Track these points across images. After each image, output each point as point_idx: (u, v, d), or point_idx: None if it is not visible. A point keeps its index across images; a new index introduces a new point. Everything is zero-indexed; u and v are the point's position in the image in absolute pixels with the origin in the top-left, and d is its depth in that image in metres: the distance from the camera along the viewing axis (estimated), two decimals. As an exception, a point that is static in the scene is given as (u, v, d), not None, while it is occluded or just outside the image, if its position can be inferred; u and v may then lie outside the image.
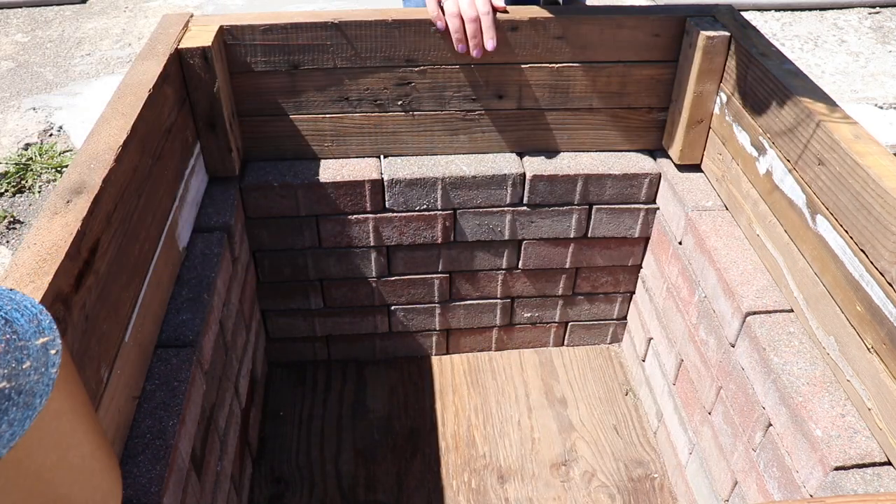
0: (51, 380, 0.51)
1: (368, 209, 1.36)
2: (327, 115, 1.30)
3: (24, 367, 0.51)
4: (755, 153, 1.16)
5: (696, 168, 1.36)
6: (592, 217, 1.42)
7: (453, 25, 1.14)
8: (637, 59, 1.28)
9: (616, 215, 1.43)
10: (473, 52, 1.15)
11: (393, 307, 1.54)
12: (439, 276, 1.50)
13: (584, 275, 1.54)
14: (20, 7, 4.05)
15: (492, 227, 1.42)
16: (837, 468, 0.86)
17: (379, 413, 1.53)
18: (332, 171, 1.33)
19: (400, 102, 1.30)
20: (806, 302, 1.04)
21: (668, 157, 1.39)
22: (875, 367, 0.88)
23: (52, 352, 0.52)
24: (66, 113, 2.96)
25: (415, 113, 1.32)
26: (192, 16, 1.23)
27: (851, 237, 0.92)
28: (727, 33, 1.20)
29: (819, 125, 0.99)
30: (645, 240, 1.48)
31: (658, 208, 1.41)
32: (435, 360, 1.65)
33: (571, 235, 1.45)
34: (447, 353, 1.66)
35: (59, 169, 2.57)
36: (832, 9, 4.03)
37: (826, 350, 0.99)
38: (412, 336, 1.61)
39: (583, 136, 1.37)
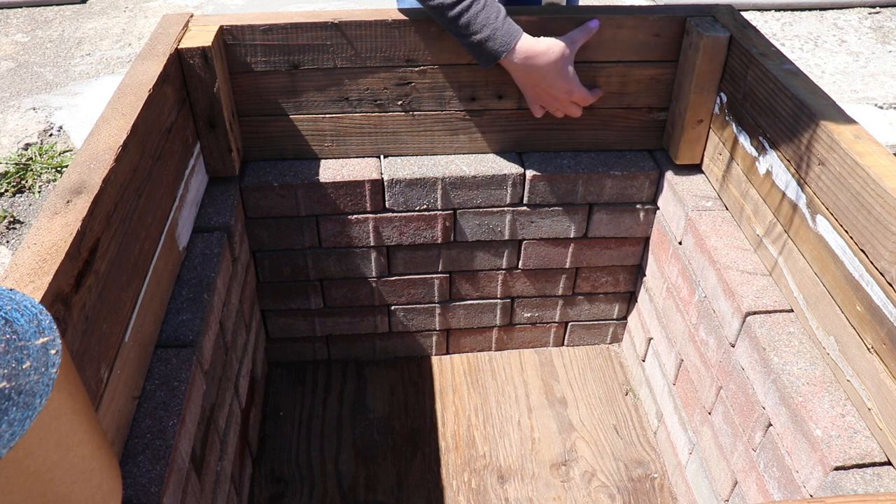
0: (51, 380, 0.51)
1: (368, 209, 1.36)
2: (327, 115, 1.30)
3: (24, 367, 0.51)
4: (755, 153, 1.16)
5: (696, 168, 1.36)
6: (592, 217, 1.42)
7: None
8: (637, 59, 1.28)
9: (616, 215, 1.43)
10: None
11: (393, 307, 1.54)
12: (439, 276, 1.50)
13: (584, 275, 1.54)
14: (20, 7, 4.05)
15: (492, 227, 1.42)
16: (837, 468, 0.86)
17: (379, 413, 1.53)
18: (332, 171, 1.33)
19: (400, 102, 1.30)
20: (806, 302, 1.04)
21: (668, 157, 1.39)
22: (875, 367, 0.88)
23: (52, 352, 0.52)
24: (66, 113, 2.96)
25: (415, 113, 1.32)
26: (192, 16, 1.23)
27: (851, 237, 0.92)
28: (727, 33, 1.20)
29: (819, 125, 0.99)
30: (645, 240, 1.48)
31: (658, 208, 1.41)
32: (435, 360, 1.65)
33: (571, 235, 1.45)
34: (447, 353, 1.66)
35: (59, 169, 2.57)
36: (832, 9, 4.03)
37: (826, 350, 0.99)
38: (412, 336, 1.61)
39: (583, 136, 1.37)
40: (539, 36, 1.17)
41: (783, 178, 1.08)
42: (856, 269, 0.91)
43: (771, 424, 1.01)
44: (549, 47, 1.17)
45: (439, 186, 1.34)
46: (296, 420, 1.51)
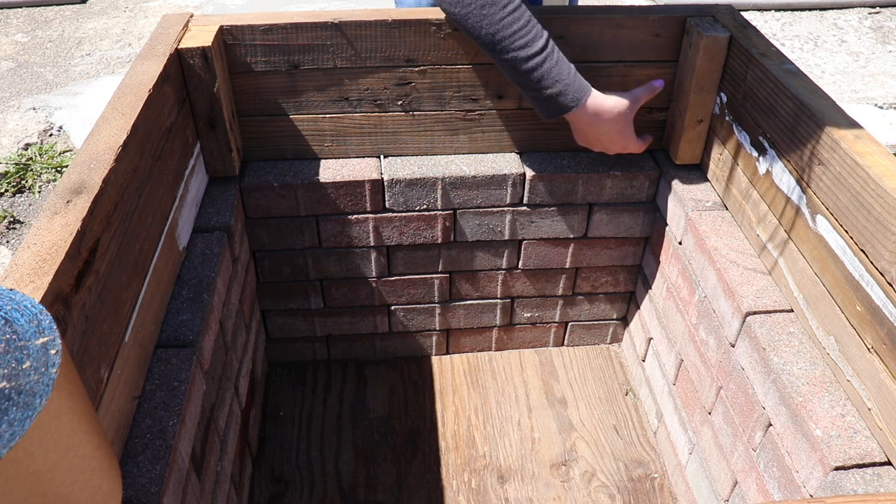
0: (51, 380, 0.51)
1: (368, 209, 1.36)
2: (327, 115, 1.30)
3: (24, 367, 0.51)
4: (755, 153, 1.16)
5: (696, 168, 1.36)
6: (592, 217, 1.42)
7: None
8: (637, 59, 1.28)
9: (616, 215, 1.43)
10: None
11: (393, 307, 1.54)
12: (439, 276, 1.50)
13: (584, 275, 1.54)
14: (20, 7, 4.05)
15: (492, 227, 1.42)
16: (837, 468, 0.86)
17: (379, 413, 1.53)
18: (332, 171, 1.33)
19: (400, 102, 1.30)
20: (806, 302, 1.04)
21: (668, 156, 1.39)
22: (875, 367, 0.88)
23: (52, 352, 0.53)
24: (66, 113, 2.96)
25: (415, 113, 1.32)
26: (192, 16, 1.23)
27: (851, 237, 0.92)
28: (727, 33, 1.20)
29: (819, 125, 0.99)
30: (645, 240, 1.48)
31: (658, 208, 1.41)
32: (435, 360, 1.65)
33: (571, 235, 1.45)
34: (447, 353, 1.66)
35: (59, 169, 2.57)
36: (832, 9, 4.03)
37: (826, 350, 0.99)
38: (412, 336, 1.61)
39: (583, 136, 1.37)
40: None
41: (783, 178, 1.08)
42: (856, 269, 0.91)
43: (771, 424, 1.01)
44: (615, 104, 1.19)
45: (439, 186, 1.34)
46: (296, 420, 1.51)
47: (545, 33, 1.10)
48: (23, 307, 0.55)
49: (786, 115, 1.07)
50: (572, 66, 1.14)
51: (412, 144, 1.36)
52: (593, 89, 1.17)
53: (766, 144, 1.13)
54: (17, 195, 2.47)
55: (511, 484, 1.40)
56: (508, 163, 1.36)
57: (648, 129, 1.37)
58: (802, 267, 1.04)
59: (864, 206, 0.89)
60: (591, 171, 1.36)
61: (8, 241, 2.26)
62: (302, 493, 1.38)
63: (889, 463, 0.87)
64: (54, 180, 2.53)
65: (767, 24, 3.83)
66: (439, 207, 1.37)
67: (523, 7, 1.08)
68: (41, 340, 0.53)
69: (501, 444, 1.47)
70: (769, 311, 1.08)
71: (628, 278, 1.56)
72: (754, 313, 1.07)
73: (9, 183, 2.49)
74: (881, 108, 3.04)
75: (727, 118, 1.24)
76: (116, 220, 0.87)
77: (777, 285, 1.12)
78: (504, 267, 1.50)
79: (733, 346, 1.12)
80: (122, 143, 0.90)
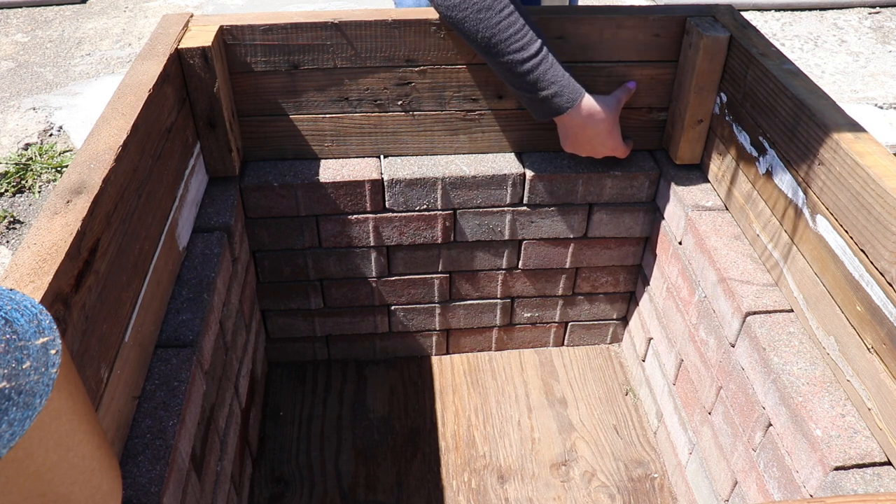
0: (51, 380, 0.51)
1: (368, 209, 1.36)
2: (327, 115, 1.30)
3: (24, 367, 0.51)
4: (755, 153, 1.16)
5: (696, 168, 1.36)
6: (592, 217, 1.42)
7: None
8: (637, 59, 1.28)
9: (616, 215, 1.43)
10: None
11: (393, 307, 1.54)
12: (439, 276, 1.50)
13: (584, 275, 1.54)
14: (20, 7, 4.05)
15: (492, 227, 1.42)
16: (837, 468, 0.86)
17: (379, 413, 1.53)
18: (332, 171, 1.33)
19: (400, 102, 1.30)
20: (806, 302, 1.04)
21: (668, 156, 1.39)
22: (875, 367, 0.88)
23: (52, 352, 0.53)
24: (66, 113, 2.96)
25: (415, 113, 1.32)
26: (192, 16, 1.23)
27: (851, 237, 0.92)
28: (727, 33, 1.20)
29: (819, 125, 0.99)
30: (645, 240, 1.48)
31: (658, 208, 1.41)
32: (435, 360, 1.65)
33: (571, 235, 1.45)
34: (447, 353, 1.66)
35: (59, 169, 2.57)
36: (832, 9, 4.03)
37: (826, 350, 0.99)
38: (412, 336, 1.61)
39: (583, 136, 1.37)
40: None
41: (783, 177, 1.08)
42: (856, 269, 0.91)
43: (771, 424, 1.01)
44: (606, 106, 1.22)
45: (439, 186, 1.34)
46: (296, 420, 1.51)
47: (539, 38, 1.12)
48: (23, 307, 0.55)
49: (786, 115, 1.07)
50: (566, 72, 1.15)
51: (412, 144, 1.36)
52: (586, 92, 1.19)
53: (766, 144, 1.13)
54: (17, 195, 2.47)
55: (511, 484, 1.40)
56: (508, 163, 1.36)
57: (648, 129, 1.37)
58: (802, 267, 1.04)
59: (864, 206, 0.89)
60: (591, 170, 1.36)
61: (8, 241, 2.26)
62: (302, 493, 1.38)
63: (889, 463, 0.87)
64: (54, 180, 2.53)
65: (767, 24, 3.83)
66: (439, 207, 1.37)
67: (517, 13, 1.09)
68: (41, 340, 0.53)
69: (501, 444, 1.47)
70: (769, 311, 1.08)
71: (628, 278, 1.56)
72: (754, 313, 1.07)
73: (9, 183, 2.49)
74: (881, 108, 3.04)
75: (727, 118, 1.24)
76: (116, 220, 0.87)
77: (777, 285, 1.12)
78: (504, 267, 1.50)
79: (733, 346, 1.12)
80: (122, 143, 0.90)
